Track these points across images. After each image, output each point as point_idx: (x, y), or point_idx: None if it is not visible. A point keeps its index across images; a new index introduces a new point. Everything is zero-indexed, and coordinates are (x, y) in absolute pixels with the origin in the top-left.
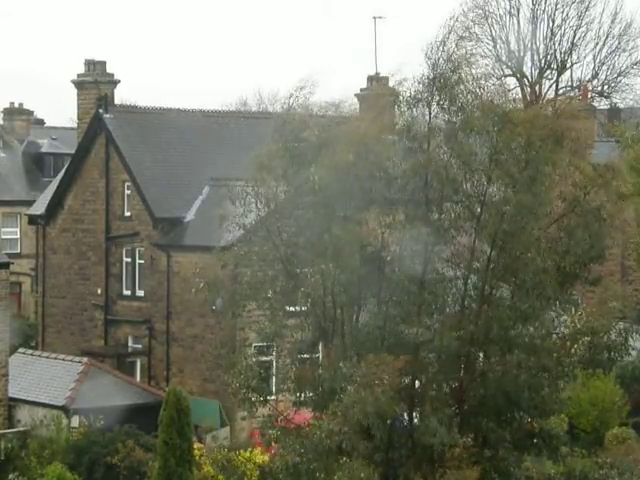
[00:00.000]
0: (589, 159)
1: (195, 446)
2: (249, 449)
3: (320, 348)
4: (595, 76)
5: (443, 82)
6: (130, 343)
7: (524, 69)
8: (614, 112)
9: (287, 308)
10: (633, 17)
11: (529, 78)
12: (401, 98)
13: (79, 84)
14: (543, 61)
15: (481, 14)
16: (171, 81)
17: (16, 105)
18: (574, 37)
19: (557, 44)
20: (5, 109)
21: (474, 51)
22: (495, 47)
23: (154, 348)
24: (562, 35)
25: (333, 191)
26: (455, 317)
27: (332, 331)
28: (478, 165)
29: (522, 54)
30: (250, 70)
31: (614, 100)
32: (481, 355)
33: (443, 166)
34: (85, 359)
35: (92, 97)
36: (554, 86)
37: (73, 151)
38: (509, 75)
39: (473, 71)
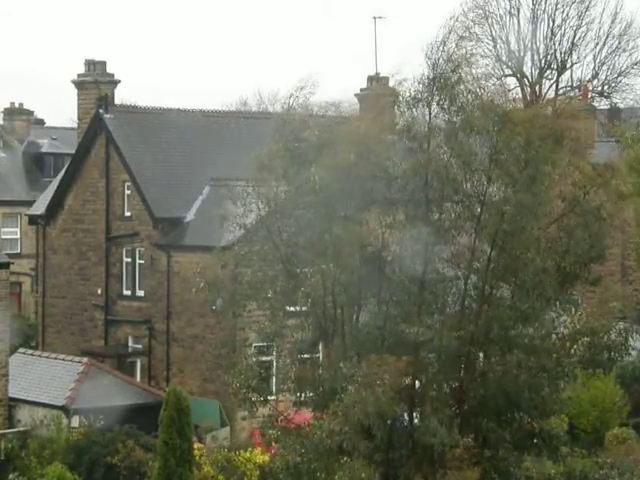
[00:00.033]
0: (589, 159)
1: (195, 446)
2: (249, 449)
3: (320, 348)
4: (595, 76)
5: (443, 82)
6: (130, 343)
7: (524, 69)
8: (614, 112)
9: (287, 308)
10: (633, 17)
11: (529, 78)
12: (401, 98)
13: (79, 84)
14: (543, 61)
15: (481, 14)
16: (171, 81)
17: (16, 105)
18: (574, 37)
19: (557, 44)
20: (5, 109)
21: (474, 51)
22: (495, 47)
23: (154, 348)
24: (562, 35)
25: (333, 191)
26: (455, 317)
27: (332, 331)
28: (478, 165)
29: (522, 54)
30: (250, 70)
31: (614, 100)
32: (481, 355)
33: (443, 166)
34: (85, 359)
35: (92, 97)
36: (554, 86)
37: (73, 151)
38: (509, 75)
39: (473, 71)
